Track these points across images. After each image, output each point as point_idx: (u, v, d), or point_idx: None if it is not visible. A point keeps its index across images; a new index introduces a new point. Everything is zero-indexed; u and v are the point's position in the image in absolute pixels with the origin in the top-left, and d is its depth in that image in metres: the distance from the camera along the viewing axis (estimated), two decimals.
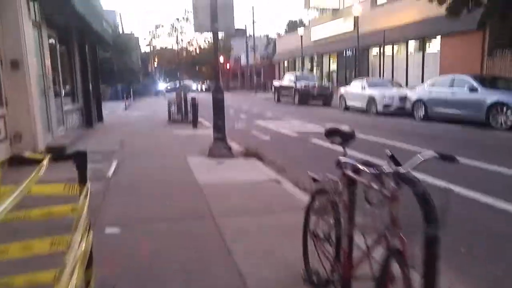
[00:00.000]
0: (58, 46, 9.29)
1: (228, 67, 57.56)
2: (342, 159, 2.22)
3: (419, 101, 11.58)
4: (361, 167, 1.96)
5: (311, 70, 30.81)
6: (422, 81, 18.23)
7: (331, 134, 2.52)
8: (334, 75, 28.47)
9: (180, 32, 13.45)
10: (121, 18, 42.01)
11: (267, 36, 58.19)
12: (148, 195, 4.55)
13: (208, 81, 59.34)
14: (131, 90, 27.55)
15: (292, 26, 53.10)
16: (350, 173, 2.22)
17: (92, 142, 8.42)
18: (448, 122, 10.79)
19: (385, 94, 13.56)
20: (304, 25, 31.99)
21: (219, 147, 6.80)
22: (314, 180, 2.69)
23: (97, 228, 3.18)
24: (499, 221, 3.81)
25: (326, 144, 8.19)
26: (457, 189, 4.62)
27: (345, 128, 2.49)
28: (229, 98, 32.50)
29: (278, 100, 23.74)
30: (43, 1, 7.21)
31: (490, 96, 9.35)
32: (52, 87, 8.24)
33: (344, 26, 25.87)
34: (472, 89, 9.75)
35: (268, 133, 10.13)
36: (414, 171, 1.73)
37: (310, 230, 2.65)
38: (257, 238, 3.25)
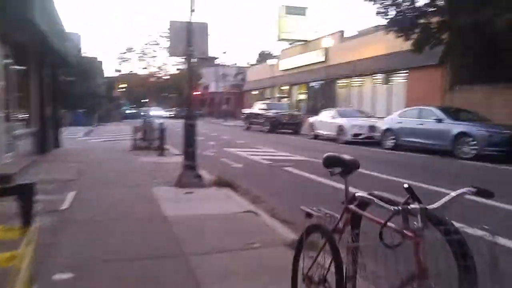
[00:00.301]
0: (14, 65, 8.59)
1: (197, 94, 57.45)
2: (360, 194, 1.83)
3: (388, 130, 11.76)
4: (379, 202, 1.61)
5: (280, 99, 31.19)
6: (389, 110, 18.79)
7: (330, 163, 2.18)
8: (303, 104, 28.93)
9: (152, 56, 12.91)
10: (80, 41, 41.02)
11: (236, 65, 59.04)
12: (109, 231, 3.97)
13: (176, 108, 58.68)
14: (95, 115, 26.46)
15: (264, 56, 54.29)
16: (356, 208, 1.89)
17: (46, 170, 7.64)
18: (416, 151, 10.96)
19: (354, 124, 13.71)
20: (274, 57, 32.63)
21: (189, 176, 6.33)
22: (308, 215, 2.31)
23: (44, 274, 2.62)
24: None
25: (300, 172, 7.93)
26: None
27: (346, 157, 2.17)
28: (198, 124, 32.12)
29: (248, 128, 23.57)
30: None
31: (455, 127, 9.62)
32: (3, 109, 7.49)
33: (313, 57, 26.61)
34: (439, 120, 10.03)
35: (240, 161, 9.75)
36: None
37: (302, 272, 2.26)
38: (239, 282, 2.80)
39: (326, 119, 15.34)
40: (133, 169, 8.01)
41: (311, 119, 16.53)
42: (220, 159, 10.30)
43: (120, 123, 33.30)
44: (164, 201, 5.23)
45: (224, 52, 42.86)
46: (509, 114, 11.36)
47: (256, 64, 41.07)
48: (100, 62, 47.06)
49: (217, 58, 51.66)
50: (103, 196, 5.55)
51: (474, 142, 9.14)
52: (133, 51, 19.97)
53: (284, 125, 19.98)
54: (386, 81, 20.19)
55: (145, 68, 20.54)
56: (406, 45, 17.27)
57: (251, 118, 22.98)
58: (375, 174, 7.78)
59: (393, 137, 11.55)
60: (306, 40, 28.15)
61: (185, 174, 6.36)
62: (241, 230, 4.03)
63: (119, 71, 32.68)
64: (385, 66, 19.13)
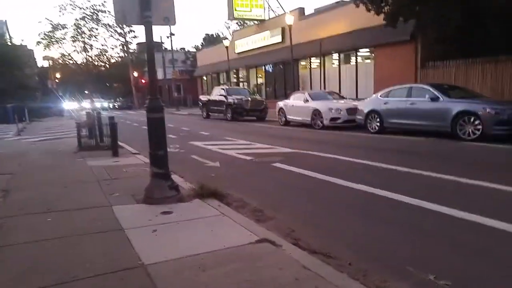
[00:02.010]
0: None
1: (143, 82, 53.83)
2: None
3: (372, 112, 10.72)
4: None
5: (237, 84, 29.51)
6: (356, 91, 17.98)
7: None
8: (262, 88, 27.56)
9: (90, 36, 10.12)
10: (7, 28, 36.17)
11: (184, 49, 56.00)
12: None
13: (120, 98, 54.74)
14: (26, 110, 23.01)
15: (209, 40, 51.81)
16: None
17: None
18: (406, 134, 10.00)
19: (331, 107, 12.56)
20: (224, 38, 30.65)
21: (162, 188, 4.67)
22: None
23: None
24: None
25: (295, 169, 6.55)
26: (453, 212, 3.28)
27: None
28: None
29: (207, 116, 21.76)
30: None
31: (454, 106, 8.70)
32: None
33: (270, 38, 25.15)
34: (434, 99, 9.08)
35: (214, 158, 8.15)
36: None
37: None
38: None
39: (298, 103, 14.05)
40: (82, 179, 6.11)
41: (281, 104, 15.18)
42: (190, 156, 8.63)
43: (60, 118, 29.74)
44: (134, 232, 3.58)
45: (173, 34, 39.50)
46: (492, 89, 10.84)
47: (206, 48, 38.71)
48: (31, 51, 42.02)
49: (163, 43, 48.45)
50: (38, 230, 3.74)
51: (478, 121, 8.30)
52: (65, 28, 15.11)
53: (249, 112, 18.49)
54: (351, 60, 19.36)
55: (84, 51, 16.08)
56: (372, 21, 16.43)
57: (210, 106, 21.18)
58: (373, 163, 6.61)
59: (378, 119, 10.53)
60: (262, 20, 26.56)
61: (156, 185, 4.69)
62: (272, 285, 2.54)
63: (51, 58, 28.48)
64: (350, 45, 18.22)
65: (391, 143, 9.36)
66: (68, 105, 53.14)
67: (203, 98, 22.71)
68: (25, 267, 2.89)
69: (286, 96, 24.19)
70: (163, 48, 47.25)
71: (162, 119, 4.74)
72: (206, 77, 37.20)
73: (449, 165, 6.43)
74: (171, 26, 39.93)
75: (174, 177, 5.42)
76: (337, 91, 16.69)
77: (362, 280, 2.63)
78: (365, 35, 17.18)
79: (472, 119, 8.43)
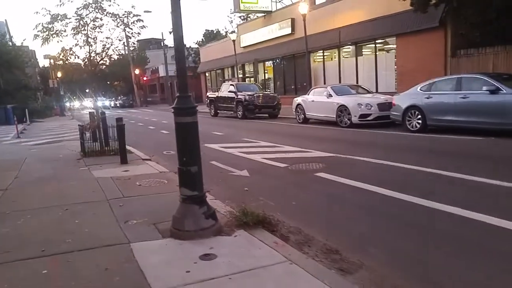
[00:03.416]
0: None
1: (145, 79, 52.60)
2: None
3: (412, 108, 9.47)
4: None
5: (244, 79, 28.28)
6: (376, 85, 16.77)
7: None
8: (271, 83, 26.34)
9: (93, 27, 8.73)
10: (8, 28, 34.94)
11: (185, 45, 54.62)
12: None
13: (121, 96, 53.53)
14: (27, 111, 21.95)
15: (209, 36, 50.44)
16: None
17: None
18: (456, 132, 8.65)
19: (360, 102, 11.33)
20: (231, 32, 29.35)
21: (195, 216, 3.52)
22: None
23: None
24: None
25: (344, 180, 5.38)
26: None
27: None
28: (151, 114, 28.27)
29: (215, 114, 20.58)
30: None
31: None
32: None
33: (279, 30, 23.89)
34: (493, 91, 7.81)
35: (239, 164, 6.99)
36: None
37: None
38: None
39: (319, 99, 12.83)
40: (88, 198, 4.96)
41: (298, 100, 13.97)
42: (209, 163, 7.46)
43: (61, 118, 28.61)
44: None
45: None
46: None
47: (210, 43, 37.42)
48: (33, 51, 40.78)
49: (164, 39, 47.12)
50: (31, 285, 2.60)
51: None
52: (65, 19, 12.86)
53: (261, 109, 17.30)
54: (369, 51, 18.11)
55: (87, 44, 13.88)
56: (394, 8, 15.21)
57: (218, 103, 19.99)
58: (439, 172, 5.44)
59: (420, 116, 9.30)
60: (269, 11, 25.26)
61: (188, 213, 3.54)
62: None
63: (52, 57, 27.09)
64: (369, 34, 16.94)
65: (445, 144, 8.09)
66: (69, 104, 52.06)
67: (211, 95, 21.52)
68: None
69: (296, 91, 23.16)
70: (164, 44, 45.97)
71: (195, 125, 3.58)
72: (210, 73, 35.96)
73: None
74: (168, 23, 38.50)
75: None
76: (360, 85, 15.39)
77: None
78: (386, 23, 15.93)
79: None
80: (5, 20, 38.61)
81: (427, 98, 9.20)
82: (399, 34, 15.43)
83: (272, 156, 7.61)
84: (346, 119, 11.58)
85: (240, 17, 45.04)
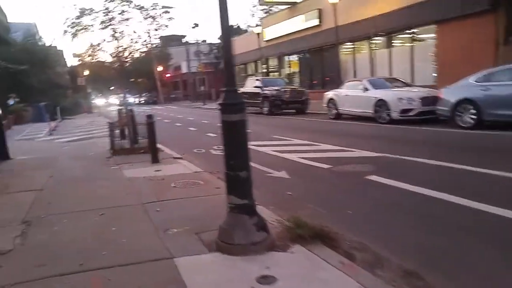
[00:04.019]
0: None
1: (167, 76, 52.84)
2: None
3: (464, 102, 8.64)
4: None
5: (267, 74, 27.75)
6: (412, 77, 15.87)
7: None
8: (295, 78, 25.68)
9: (122, 19, 8.34)
10: (37, 29, 35.78)
11: (206, 41, 54.49)
12: None
13: (146, 93, 54.01)
14: (58, 108, 22.27)
15: (231, 31, 50.02)
16: None
17: None
18: None
19: (401, 96, 10.57)
20: (258, 26, 28.76)
21: (245, 227, 3.09)
22: None
23: None
24: None
25: (400, 184, 4.83)
26: None
27: None
28: (176, 111, 28.18)
29: None
30: None
31: None
32: None
33: (305, 22, 23.16)
34: None
35: (275, 165, 6.52)
36: None
37: None
38: None
39: (354, 93, 12.17)
40: (122, 201, 4.64)
41: (330, 94, 13.35)
42: None
43: (90, 115, 29.01)
44: None
45: (197, 25, 37.75)
46: None
47: (232, 38, 37.00)
48: (61, 51, 41.73)
49: (185, 36, 46.99)
50: None
51: None
52: (92, 12, 11.74)
53: (288, 104, 16.75)
54: (405, 41, 17.17)
55: (115, 39, 12.75)
56: None
57: (243, 99, 19.50)
58: None
59: (474, 110, 8.49)
60: (294, 3, 24.53)
61: (237, 224, 3.12)
62: None
63: (80, 55, 27.39)
64: (404, 23, 16.01)
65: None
66: (96, 101, 53.05)
67: None
68: None
69: (324, 85, 22.42)
70: (185, 41, 45.87)
71: (244, 123, 3.15)
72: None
73: None
74: (190, 19, 38.38)
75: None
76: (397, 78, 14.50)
77: None
78: (424, 10, 14.88)
79: None
80: (34, 22, 39.60)
81: (484, 90, 8.35)
82: (440, 21, 14.34)
83: (311, 155, 7.11)
84: (385, 115, 10.88)
85: (262, 10, 44.36)
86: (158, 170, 6.45)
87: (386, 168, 5.76)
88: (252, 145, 8.85)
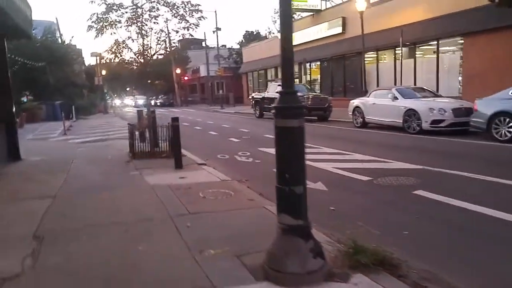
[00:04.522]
0: None
1: (185, 79, 52.91)
2: None
3: (502, 114, 8.09)
4: None
5: None
6: (437, 88, 15.26)
7: None
8: (317, 85, 25.18)
9: (149, 18, 8.01)
10: (58, 26, 36.08)
11: (225, 46, 54.47)
12: None
13: (162, 95, 54.15)
14: (73, 107, 22.18)
15: (249, 37, 49.88)
16: None
17: None
18: None
19: (432, 106, 10.00)
20: (267, 35, 28.45)
21: (300, 253, 2.62)
22: None
23: None
24: None
25: (452, 201, 4.29)
26: None
27: None
28: (194, 114, 27.89)
29: (261, 115, 19.75)
30: None
31: None
32: None
33: (328, 30, 22.74)
34: None
35: (309, 174, 5.82)
36: None
37: None
38: None
39: (382, 102, 11.61)
40: (147, 213, 4.19)
41: (356, 102, 12.81)
42: (273, 171, 6.54)
43: (105, 116, 28.95)
44: None
45: (219, 29, 37.46)
46: None
47: (253, 43, 36.70)
48: (80, 50, 42.04)
49: (205, 40, 46.98)
50: None
51: None
52: (120, 9, 11.13)
53: (311, 111, 16.22)
54: (431, 52, 16.58)
55: (141, 36, 11.91)
56: (461, 5, 13.83)
57: (264, 104, 19.10)
58: None
59: None
60: (318, 10, 24.14)
61: (290, 249, 2.63)
62: None
63: (98, 55, 26.98)
64: (431, 34, 15.46)
65: None
66: (113, 102, 53.33)
67: (256, 95, 20.70)
68: None
69: (345, 93, 21.87)
70: (206, 45, 45.82)
71: (301, 130, 2.68)
72: (252, 73, 35.27)
73: None
74: (217, 20, 38.21)
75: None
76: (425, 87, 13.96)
77: None
78: (451, 21, 14.41)
79: None
80: (56, 18, 40.11)
81: None
82: (468, 33, 13.89)
83: (345, 165, 6.59)
84: (414, 125, 10.29)
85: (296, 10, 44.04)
86: (183, 177, 6.02)
87: (432, 182, 5.23)
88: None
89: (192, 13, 8.19)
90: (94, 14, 8.46)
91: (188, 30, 8.39)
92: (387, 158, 7.05)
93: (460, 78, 14.88)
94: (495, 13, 12.57)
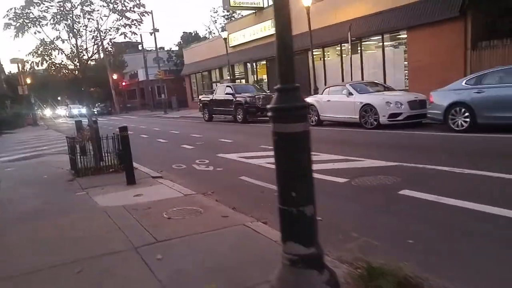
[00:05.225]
0: None
1: (123, 85, 50.14)
2: None
3: (457, 105, 8.29)
4: None
5: (233, 81, 26.82)
6: (384, 82, 15.71)
7: None
8: (264, 84, 24.97)
9: (80, 14, 6.85)
10: None
11: (163, 48, 52.66)
12: None
13: (99, 104, 50.83)
14: None
15: (188, 39, 48.72)
16: None
17: None
18: (509, 131, 7.50)
19: (389, 100, 10.09)
20: (206, 35, 27.83)
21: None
22: None
23: None
24: None
25: (445, 200, 4.06)
26: None
27: None
28: (136, 120, 26.28)
29: (210, 118, 19.04)
30: None
31: None
32: None
33: (272, 28, 22.51)
34: None
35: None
36: None
37: None
38: None
39: (337, 98, 11.54)
40: (106, 245, 3.42)
41: (310, 100, 12.66)
42: (239, 179, 6.02)
43: (35, 128, 26.23)
44: None
45: (157, 30, 35.75)
46: None
47: (195, 45, 35.64)
48: None
49: (141, 42, 44.93)
50: None
51: None
52: (43, 2, 9.14)
53: (263, 111, 15.87)
54: (376, 47, 17.06)
55: (73, 36, 10.05)
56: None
57: (214, 106, 18.44)
58: None
59: (467, 113, 8.14)
60: (260, 7, 23.92)
61: (303, 285, 2.10)
62: None
63: (22, 62, 24.27)
64: (375, 28, 15.87)
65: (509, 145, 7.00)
66: (41, 113, 48.92)
67: (204, 98, 19.93)
68: None
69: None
70: (143, 48, 43.79)
71: (307, 135, 2.17)
72: (196, 75, 34.26)
73: None
74: (154, 22, 36.55)
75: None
76: (377, 82, 14.19)
77: None
78: (394, 16, 14.90)
79: None
80: None
81: (477, 92, 8.05)
82: (411, 27, 14.39)
83: (315, 167, 6.18)
84: (372, 120, 10.32)
85: (224, 16, 43.60)
86: (138, 195, 5.25)
87: (414, 179, 5.02)
88: (240, 157, 7.94)
89: (133, 8, 7.26)
90: (11, 9, 7.18)
91: (130, 27, 7.44)
92: (355, 156, 6.82)
93: (406, 72, 15.39)
94: (437, 6, 13.16)
